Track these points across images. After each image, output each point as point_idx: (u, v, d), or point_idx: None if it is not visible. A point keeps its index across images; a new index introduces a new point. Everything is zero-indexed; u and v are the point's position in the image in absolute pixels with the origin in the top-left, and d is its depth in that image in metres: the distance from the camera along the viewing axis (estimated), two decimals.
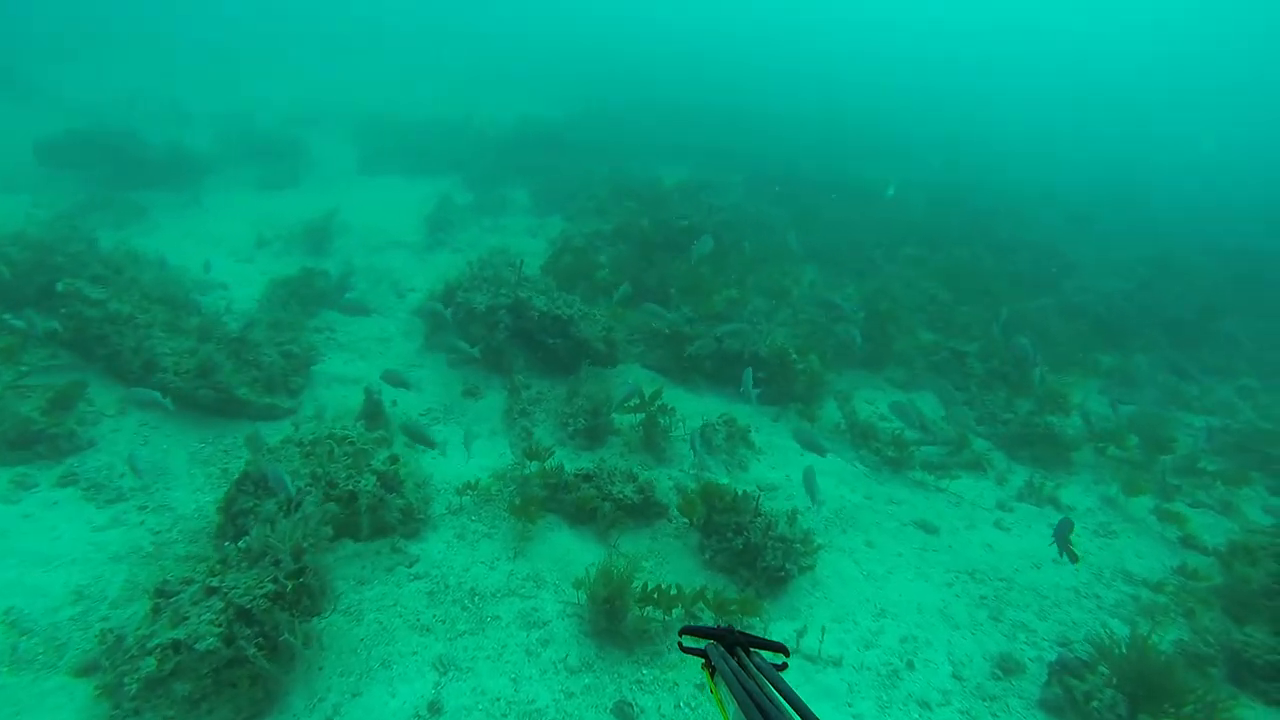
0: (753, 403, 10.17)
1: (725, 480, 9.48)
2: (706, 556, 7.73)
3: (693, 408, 10.94)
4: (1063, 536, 7.58)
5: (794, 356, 11.42)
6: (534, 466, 8.64)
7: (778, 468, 9.92)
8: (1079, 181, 31.70)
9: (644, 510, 8.35)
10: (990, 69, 63.37)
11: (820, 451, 9.22)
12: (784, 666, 1.83)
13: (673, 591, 6.84)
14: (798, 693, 1.59)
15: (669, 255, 14.81)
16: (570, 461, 9.32)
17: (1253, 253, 22.61)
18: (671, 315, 11.97)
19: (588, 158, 24.53)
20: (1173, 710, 6.07)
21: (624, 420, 10.04)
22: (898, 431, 10.63)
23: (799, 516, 8.48)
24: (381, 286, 14.15)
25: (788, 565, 7.38)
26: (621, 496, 8.14)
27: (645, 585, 6.80)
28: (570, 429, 9.80)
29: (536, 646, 6.50)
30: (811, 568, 7.71)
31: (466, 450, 8.76)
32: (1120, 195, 29.67)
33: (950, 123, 39.46)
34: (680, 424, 10.14)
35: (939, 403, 11.69)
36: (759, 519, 7.65)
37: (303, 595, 5.45)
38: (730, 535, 7.61)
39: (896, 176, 22.19)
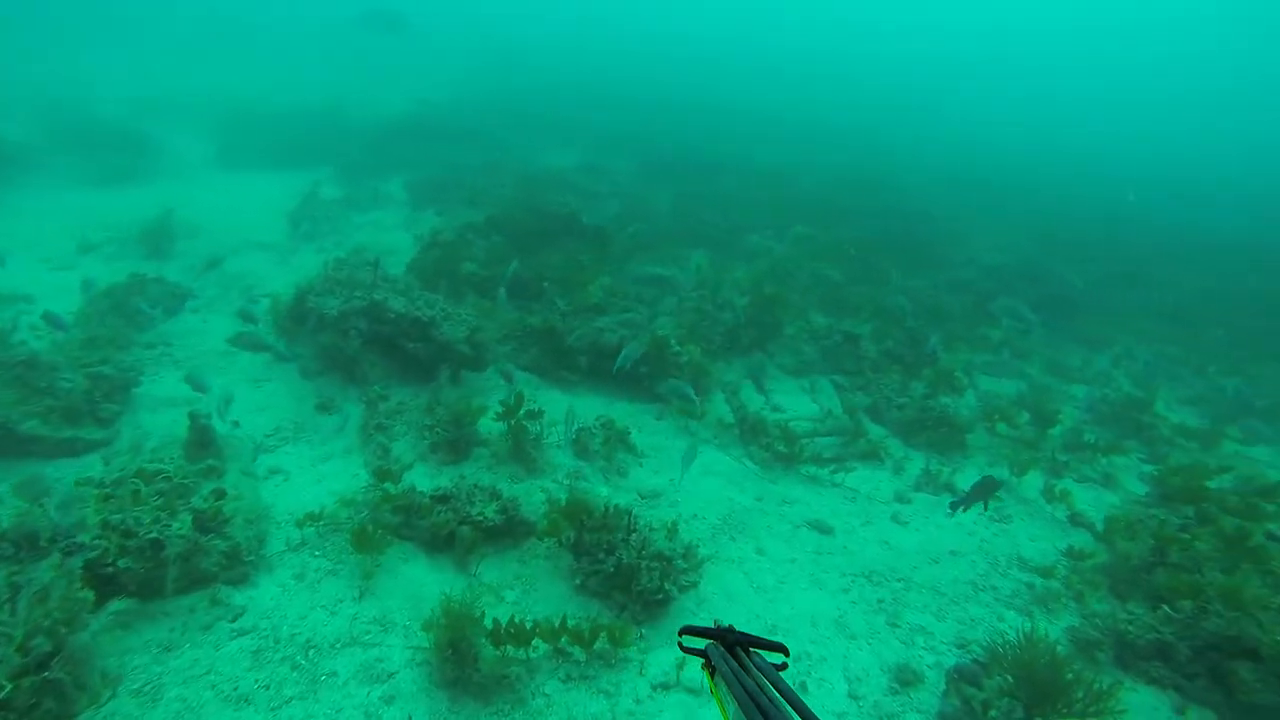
0: (625, 367, 9.38)
1: (604, 490, 8.71)
2: (578, 581, 6.91)
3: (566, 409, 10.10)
4: (987, 492, 7.74)
5: (675, 347, 10.71)
6: (388, 488, 7.63)
7: (660, 472, 9.19)
8: (983, 164, 32.19)
9: (510, 531, 7.48)
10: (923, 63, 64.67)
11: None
12: (784, 666, 1.81)
13: (529, 625, 6.01)
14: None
15: (546, 245, 13.91)
16: (430, 479, 8.38)
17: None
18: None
19: (470, 147, 23.27)
20: (1064, 709, 5.64)
21: (493, 428, 9.11)
22: (786, 423, 10.06)
23: (681, 527, 7.81)
24: (232, 293, 12.73)
25: (667, 586, 6.63)
26: (482, 518, 7.23)
27: (498, 621, 5.94)
28: (430, 442, 8.80)
29: (378, 706, 5.57)
30: (695, 585, 7.00)
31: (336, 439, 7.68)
32: (1024, 180, 30.22)
33: (869, 111, 39.65)
34: (553, 429, 9.29)
35: (832, 390, 11.20)
36: (633, 535, 6.87)
37: (43, 698, 4.33)
38: (601, 556, 6.81)
39: (800, 161, 21.90)
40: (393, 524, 7.35)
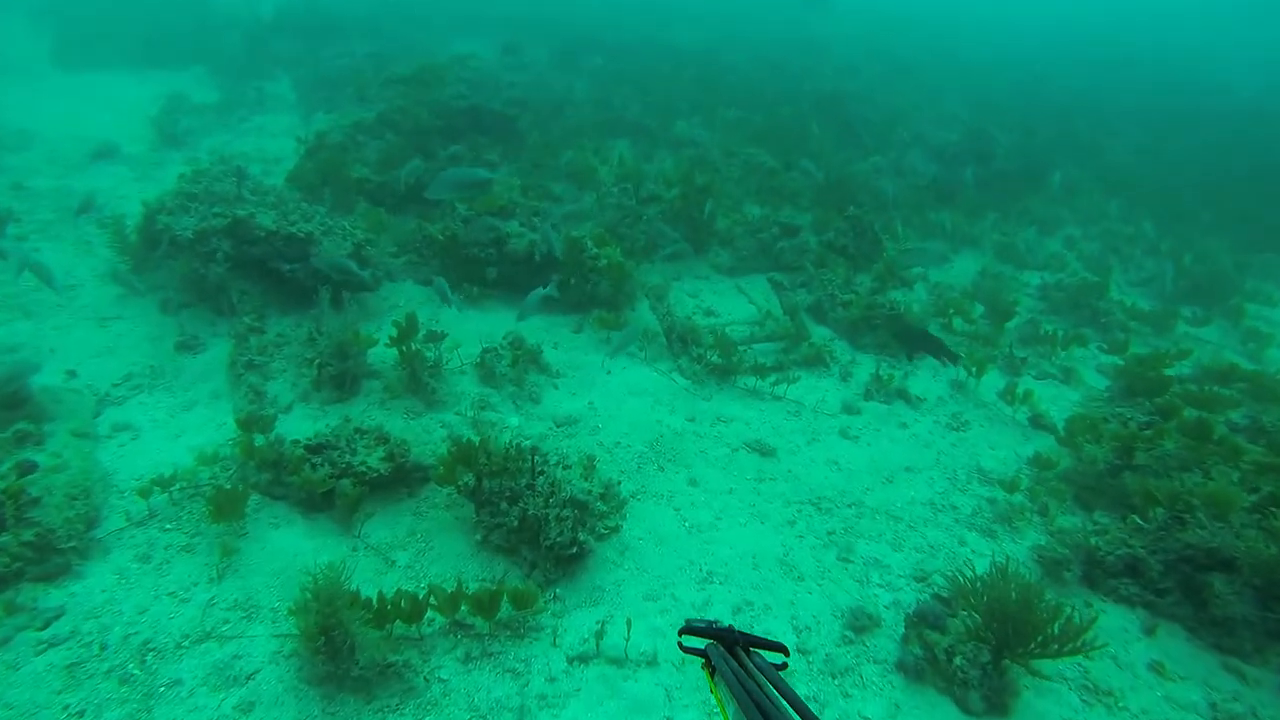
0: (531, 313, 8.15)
1: (514, 419, 7.62)
2: (480, 536, 5.88)
3: (473, 328, 8.90)
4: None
5: (591, 249, 9.45)
6: (256, 439, 6.41)
7: (579, 393, 8.12)
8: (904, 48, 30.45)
9: (404, 479, 6.40)
10: None
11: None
12: (784, 666, 1.80)
13: (421, 594, 5.00)
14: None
15: (449, 144, 12.27)
16: (312, 422, 7.21)
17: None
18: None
19: (370, 39, 20.78)
20: (1037, 647, 4.91)
21: (387, 357, 7.88)
22: (721, 329, 9.01)
23: (602, 458, 6.82)
24: (74, 215, 10.88)
25: (582, 537, 5.64)
26: (365, 469, 6.11)
27: (383, 594, 4.91)
28: (312, 379, 7.53)
29: (233, 718, 4.53)
30: (617, 529, 6.05)
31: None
32: (949, 63, 28.66)
33: None
34: (455, 352, 8.10)
35: (770, 290, 10.12)
36: (540, 479, 5.82)
37: None
38: (503, 506, 5.76)
39: (726, 39, 20.05)
40: (262, 482, 6.18)
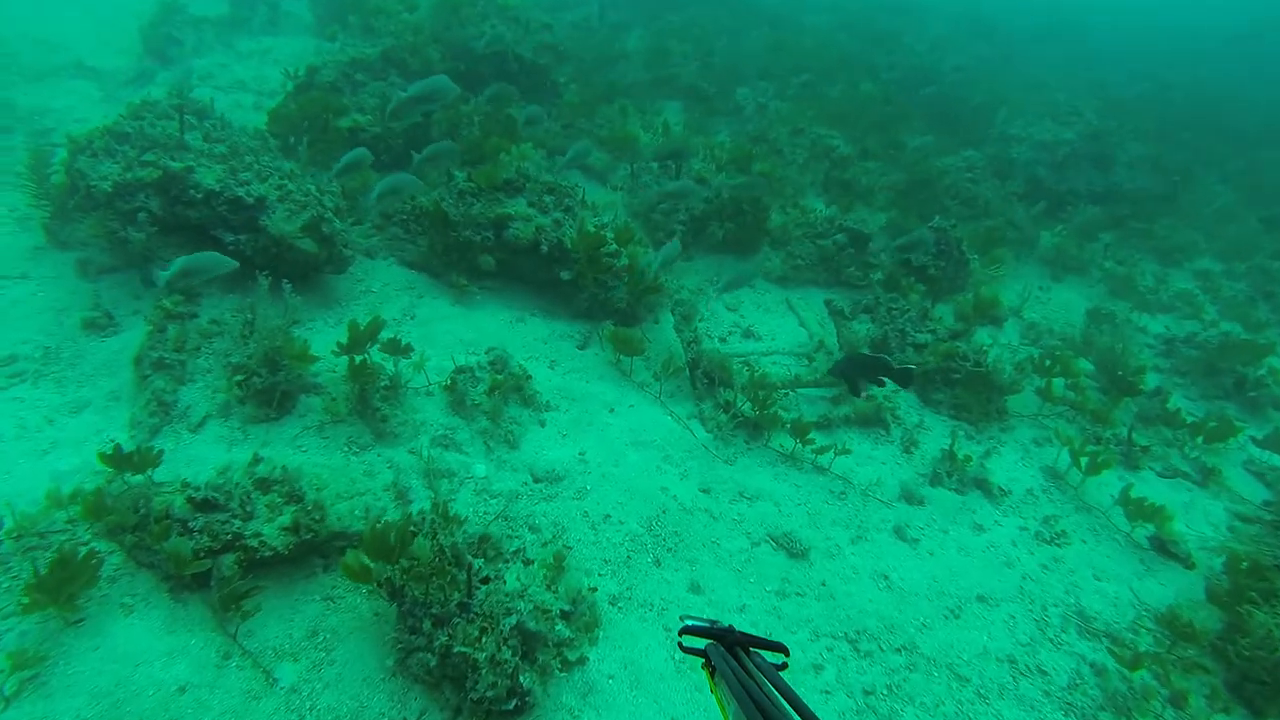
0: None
1: (481, 468, 6.14)
2: (394, 659, 4.43)
3: (454, 332, 7.41)
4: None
5: (610, 244, 7.84)
6: (127, 479, 5.04)
7: (570, 436, 6.59)
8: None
9: (319, 549, 4.98)
10: None
11: None
12: (784, 666, 1.82)
13: None
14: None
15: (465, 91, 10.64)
16: (226, 448, 5.80)
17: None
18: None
19: None
20: None
21: (339, 366, 6.44)
22: (758, 363, 7.39)
23: (579, 546, 5.34)
24: (15, 139, 9.55)
25: (527, 681, 4.16)
26: (258, 543, 4.68)
27: None
28: (235, 390, 6.11)
29: None
30: (583, 661, 4.54)
31: None
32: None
33: None
34: (425, 366, 6.63)
35: (827, 314, 8.39)
36: (484, 590, 4.34)
37: None
38: (426, 627, 4.28)
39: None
40: (125, 542, 4.80)
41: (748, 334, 8.47)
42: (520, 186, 8.32)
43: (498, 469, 6.18)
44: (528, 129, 10.22)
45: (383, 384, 6.32)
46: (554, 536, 5.62)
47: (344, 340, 6.29)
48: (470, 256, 8.07)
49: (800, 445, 6.57)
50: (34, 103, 10.40)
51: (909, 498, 6.45)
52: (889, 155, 12.22)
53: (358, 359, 6.20)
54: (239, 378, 6.05)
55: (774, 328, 8.66)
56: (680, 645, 1.94)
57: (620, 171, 10.74)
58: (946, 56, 17.56)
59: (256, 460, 5.18)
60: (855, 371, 6.51)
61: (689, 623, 1.97)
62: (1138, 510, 6.15)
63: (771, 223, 9.77)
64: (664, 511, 5.97)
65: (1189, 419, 7.64)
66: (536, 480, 6.14)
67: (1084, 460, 6.57)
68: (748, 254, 9.67)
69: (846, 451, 6.52)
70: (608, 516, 5.87)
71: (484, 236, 7.98)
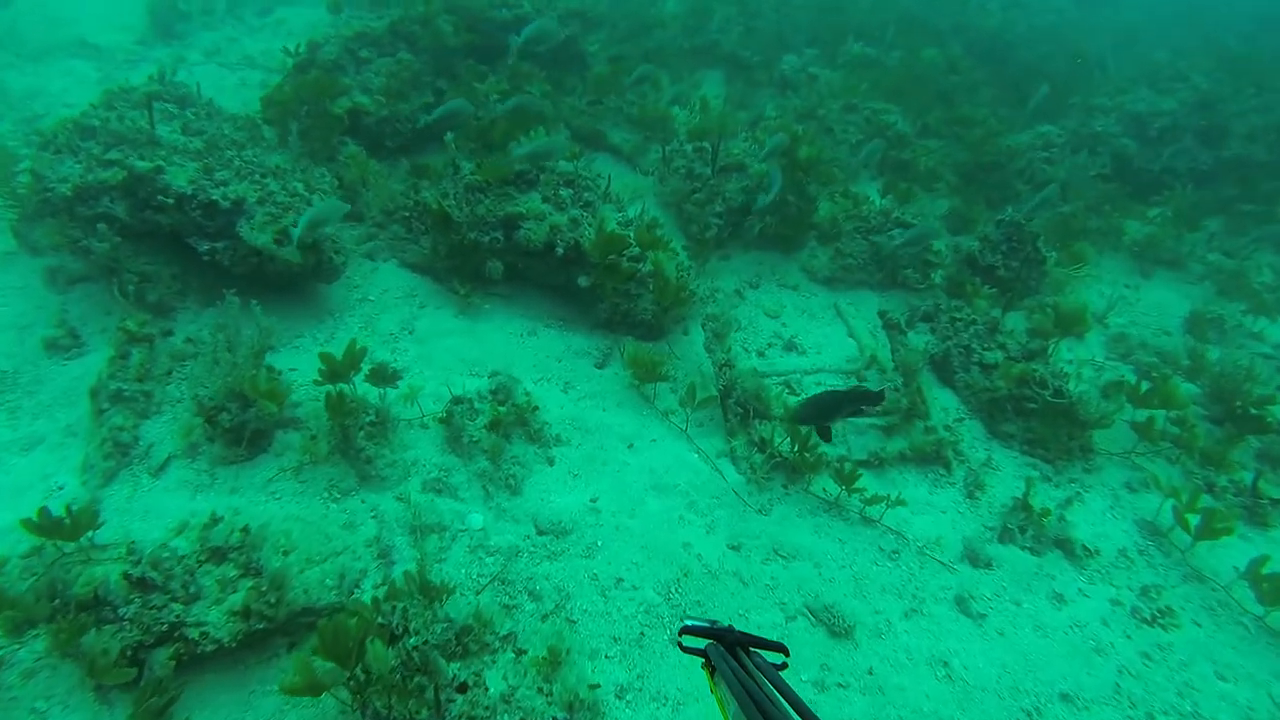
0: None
1: (478, 518, 5.42)
2: None
3: (456, 350, 6.69)
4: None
5: (633, 246, 6.97)
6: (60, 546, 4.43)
7: (582, 478, 5.83)
8: None
9: (284, 629, 4.33)
10: None
11: None
12: (784, 666, 1.82)
13: None
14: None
15: (479, 67, 9.80)
16: (190, 495, 5.21)
17: None
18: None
19: None
20: None
21: (321, 394, 5.76)
22: (800, 385, 6.52)
23: (586, 618, 4.62)
24: (3, 125, 9.01)
25: None
26: (199, 634, 4.03)
27: None
28: (195, 434, 5.46)
29: None
30: None
31: None
32: None
33: None
34: (420, 396, 5.90)
35: (880, 323, 7.41)
36: (460, 701, 3.62)
37: None
38: None
39: None
40: (53, 630, 4.19)
41: (790, 346, 7.55)
42: (534, 179, 7.47)
43: (497, 519, 5.45)
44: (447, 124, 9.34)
45: (367, 420, 5.61)
46: (557, 606, 4.89)
47: (322, 369, 5.59)
48: (477, 260, 7.28)
49: (849, 495, 5.69)
50: (28, 84, 9.86)
51: (974, 559, 5.54)
52: (953, 132, 11.00)
53: (337, 391, 5.49)
54: (204, 415, 5.38)
55: (820, 339, 7.73)
56: (680, 645, 1.93)
57: (652, 155, 9.79)
58: (1023, 16, 16.04)
59: (214, 520, 4.52)
60: (828, 414, 5.54)
61: (689, 623, 1.98)
62: (1273, 591, 5.12)
63: (819, 214, 8.76)
64: (686, 575, 5.17)
65: None
66: (541, 533, 5.40)
67: (1194, 519, 5.55)
68: (792, 251, 8.70)
69: (901, 503, 5.61)
70: (620, 580, 5.10)
71: (492, 238, 7.17)
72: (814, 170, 8.74)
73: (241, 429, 5.43)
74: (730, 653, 1.81)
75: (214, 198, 6.27)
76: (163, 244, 6.53)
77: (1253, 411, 6.64)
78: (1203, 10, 20.97)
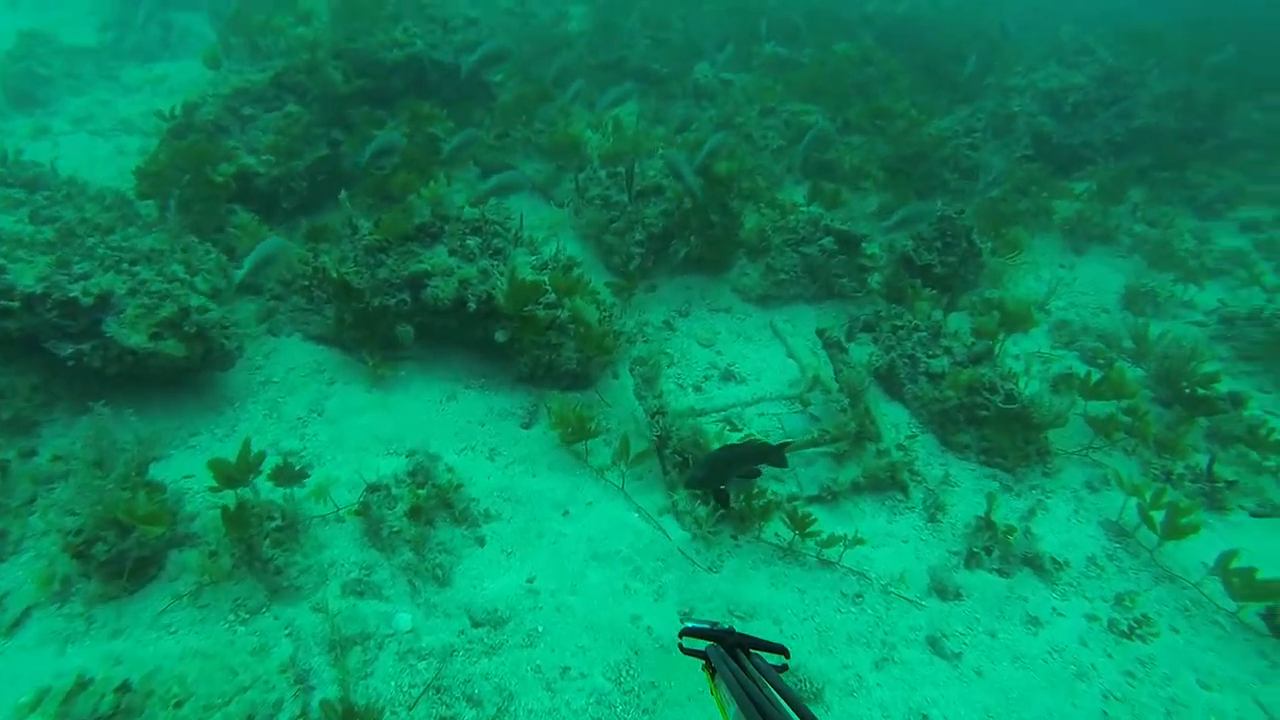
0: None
1: (406, 618, 4.96)
2: None
3: (369, 428, 6.22)
4: None
5: (548, 292, 6.58)
6: None
7: (516, 555, 5.40)
8: None
9: None
10: None
11: None
12: (784, 668, 1.84)
13: None
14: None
15: (376, 112, 9.34)
16: (58, 649, 4.64)
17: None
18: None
19: None
20: None
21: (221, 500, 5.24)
22: (741, 419, 6.17)
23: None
24: None
25: None
26: None
27: None
28: (59, 572, 4.89)
29: None
30: None
31: None
32: None
33: None
34: (331, 489, 5.41)
35: (820, 340, 7.10)
36: None
37: None
38: None
39: None
40: None
41: (728, 376, 7.20)
42: (437, 231, 7.03)
43: (427, 616, 4.98)
44: (463, 153, 9.02)
45: (273, 525, 5.11)
46: (499, 710, 4.44)
47: (215, 478, 5.07)
48: (385, 326, 6.81)
49: (803, 541, 5.34)
50: None
51: (942, 590, 5.22)
52: (875, 126, 10.81)
53: (237, 501, 4.98)
54: (72, 551, 4.81)
55: (758, 363, 7.39)
56: (680, 647, 1.99)
57: (566, 184, 9.41)
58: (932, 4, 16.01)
59: (82, 684, 3.98)
60: (723, 475, 5.19)
61: (689, 624, 2.00)
62: (1245, 586, 4.88)
63: (745, 227, 8.45)
64: (636, 653, 4.76)
65: (1275, 433, 6.34)
66: (476, 625, 4.94)
67: (1159, 516, 5.32)
68: (721, 272, 8.38)
69: (860, 541, 5.27)
70: (566, 669, 4.67)
71: (399, 300, 6.71)
72: (735, 184, 8.44)
73: (122, 559, 4.88)
74: (731, 655, 1.82)
75: (72, 294, 5.69)
76: (16, 351, 5.92)
77: (1201, 392, 6.47)
78: None
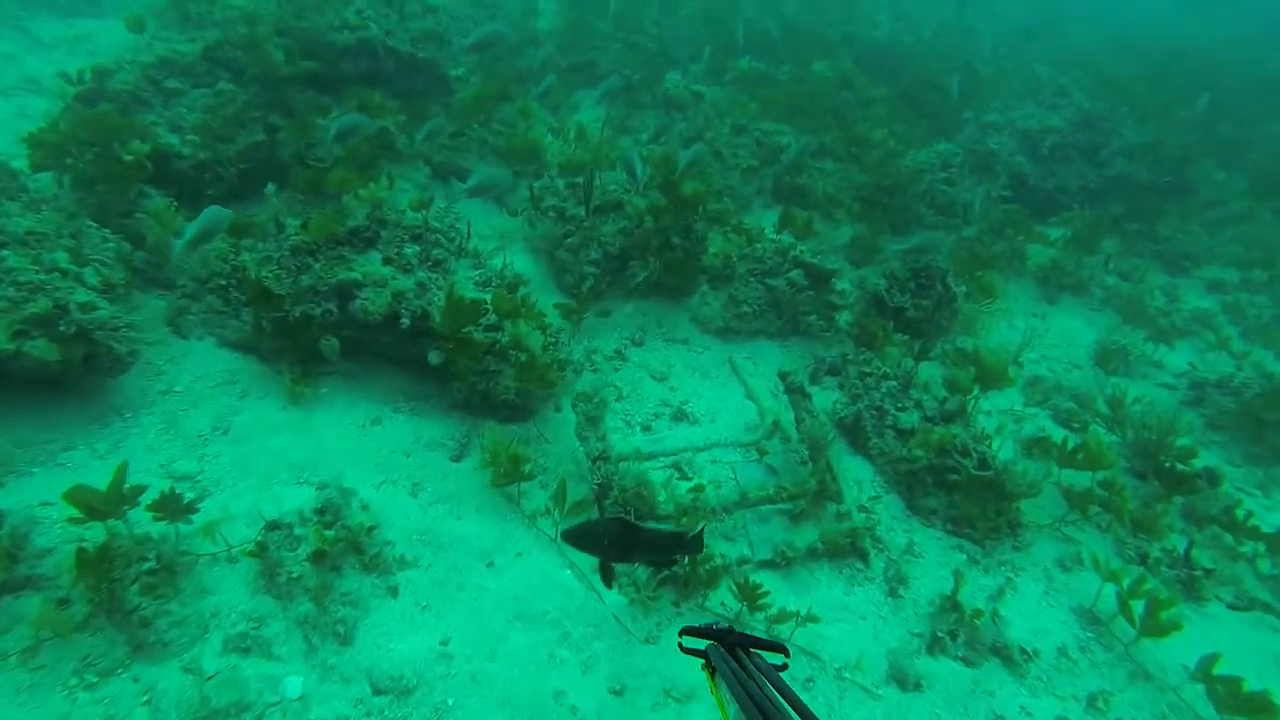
0: None
1: (296, 683, 4.32)
2: None
3: (280, 453, 5.55)
4: None
5: (489, 313, 5.98)
6: None
7: (431, 610, 4.82)
8: None
9: None
10: None
11: None
12: (784, 667, 1.82)
13: None
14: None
15: (321, 99, 8.64)
16: None
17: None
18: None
19: None
20: None
21: (87, 534, 4.52)
22: (689, 471, 5.67)
23: None
24: None
25: None
26: None
27: None
28: None
29: None
30: None
31: None
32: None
33: None
34: (230, 521, 4.76)
35: (782, 383, 6.61)
36: None
37: None
38: None
39: None
40: None
41: (680, 415, 6.67)
42: (372, 236, 6.38)
43: (322, 680, 4.35)
44: (425, 144, 8.39)
45: (146, 567, 4.41)
46: None
47: (80, 506, 4.36)
48: (309, 338, 6.12)
49: (748, 608, 4.83)
50: None
51: (902, 680, 4.75)
52: (850, 153, 10.41)
53: (104, 538, 4.28)
54: None
55: (714, 402, 6.88)
56: (680, 646, 1.94)
57: (522, 191, 8.80)
58: (909, 28, 15.77)
59: None
60: (600, 549, 4.14)
61: (689, 624, 2.04)
62: (1231, 698, 4.48)
63: (709, 253, 7.94)
64: None
65: (1250, 508, 6.03)
66: (378, 693, 4.34)
67: (1138, 605, 4.92)
68: (681, 298, 7.85)
69: (813, 619, 4.77)
70: None
71: (324, 310, 6.03)
72: (702, 205, 7.93)
73: None
74: (730, 654, 1.81)
75: None
76: None
77: (1180, 468, 6.14)
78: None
